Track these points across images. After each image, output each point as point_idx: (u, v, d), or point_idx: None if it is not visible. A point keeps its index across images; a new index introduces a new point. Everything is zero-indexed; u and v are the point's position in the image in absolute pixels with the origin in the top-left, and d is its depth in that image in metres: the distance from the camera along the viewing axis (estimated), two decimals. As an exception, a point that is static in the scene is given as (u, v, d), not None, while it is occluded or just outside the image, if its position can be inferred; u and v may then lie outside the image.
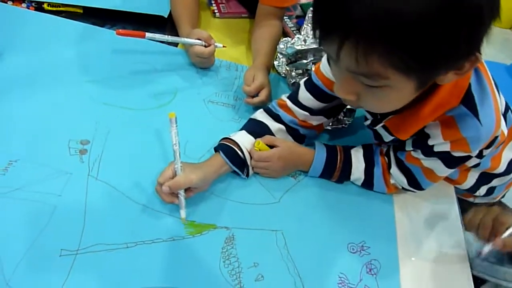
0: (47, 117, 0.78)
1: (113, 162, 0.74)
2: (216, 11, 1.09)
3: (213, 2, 1.11)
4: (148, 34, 0.87)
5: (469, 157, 0.66)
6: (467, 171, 0.84)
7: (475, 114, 0.59)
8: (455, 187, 0.89)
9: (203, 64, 0.95)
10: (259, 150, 0.75)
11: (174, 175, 0.67)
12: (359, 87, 0.55)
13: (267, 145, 0.76)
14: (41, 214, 0.65)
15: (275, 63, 0.98)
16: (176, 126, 0.67)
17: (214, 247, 0.68)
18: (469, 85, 0.60)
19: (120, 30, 0.84)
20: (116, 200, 0.70)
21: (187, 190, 0.69)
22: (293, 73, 0.96)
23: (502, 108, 0.71)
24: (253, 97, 0.88)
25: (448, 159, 0.67)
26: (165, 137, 0.78)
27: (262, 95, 0.87)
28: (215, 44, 0.93)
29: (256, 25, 1.03)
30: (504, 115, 0.75)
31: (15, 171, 0.70)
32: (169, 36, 0.91)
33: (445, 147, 0.64)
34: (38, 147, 0.74)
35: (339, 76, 0.57)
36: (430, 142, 0.65)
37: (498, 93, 0.66)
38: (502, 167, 0.81)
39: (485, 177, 0.84)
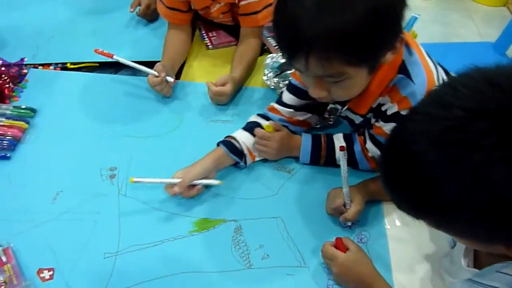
0: (80, 154, 0.97)
1: (137, 181, 0.91)
2: (208, 43, 1.26)
3: (205, 36, 1.28)
4: (115, 56, 1.06)
5: None
6: None
7: (409, 76, 0.76)
8: None
9: (160, 93, 1.07)
10: (265, 129, 0.90)
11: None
12: (327, 84, 0.72)
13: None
14: (85, 228, 0.83)
15: (264, 77, 1.12)
16: None
17: (226, 237, 0.82)
18: (403, 60, 0.76)
19: (98, 50, 1.05)
20: (143, 210, 0.86)
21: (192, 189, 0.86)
22: (281, 84, 1.11)
23: (437, 71, 0.82)
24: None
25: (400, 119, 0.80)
26: (175, 156, 0.94)
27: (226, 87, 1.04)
28: (166, 77, 1.05)
29: (238, 44, 1.19)
30: None
31: (62, 199, 0.88)
32: (131, 62, 1.07)
33: (394, 108, 0.79)
34: (77, 178, 0.92)
35: (309, 82, 0.74)
36: (383, 108, 0.81)
37: (435, 65, 0.80)
38: None
39: None
